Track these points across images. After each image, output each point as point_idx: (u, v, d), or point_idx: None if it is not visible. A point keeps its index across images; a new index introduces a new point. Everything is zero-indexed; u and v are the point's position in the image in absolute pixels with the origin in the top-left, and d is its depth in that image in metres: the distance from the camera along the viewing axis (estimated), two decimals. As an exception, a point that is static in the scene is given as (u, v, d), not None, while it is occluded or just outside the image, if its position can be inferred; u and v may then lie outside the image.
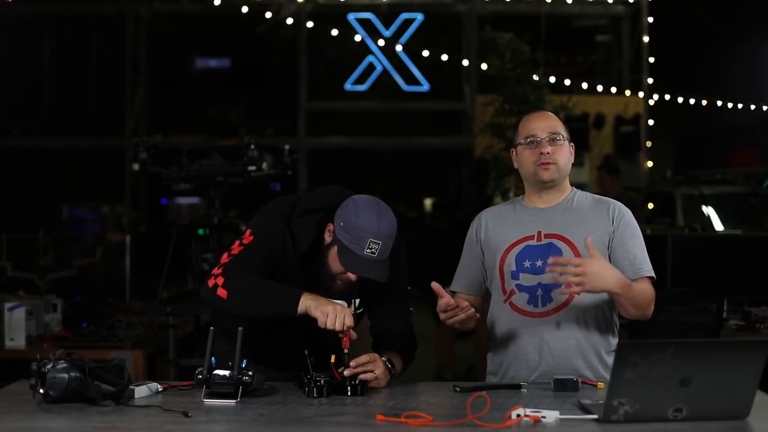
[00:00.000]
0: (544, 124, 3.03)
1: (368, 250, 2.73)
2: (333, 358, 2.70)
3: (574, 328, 2.94)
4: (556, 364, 2.93)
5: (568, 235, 2.96)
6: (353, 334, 2.71)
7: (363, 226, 2.74)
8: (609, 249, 2.97)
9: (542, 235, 2.99)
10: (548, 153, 2.98)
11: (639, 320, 3.03)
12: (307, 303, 2.69)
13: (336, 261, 2.80)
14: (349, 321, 2.67)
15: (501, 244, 3.04)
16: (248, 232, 2.88)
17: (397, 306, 3.01)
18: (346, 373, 2.68)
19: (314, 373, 2.67)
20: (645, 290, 2.92)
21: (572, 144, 3.08)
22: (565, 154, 3.02)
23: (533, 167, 3.01)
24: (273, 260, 2.84)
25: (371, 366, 2.74)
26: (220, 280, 2.78)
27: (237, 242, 2.88)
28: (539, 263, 2.95)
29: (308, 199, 2.94)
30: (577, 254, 2.93)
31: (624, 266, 2.94)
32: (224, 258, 2.85)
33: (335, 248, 2.79)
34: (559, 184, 3.05)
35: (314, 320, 2.67)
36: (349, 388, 2.68)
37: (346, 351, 2.69)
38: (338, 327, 2.65)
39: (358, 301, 2.96)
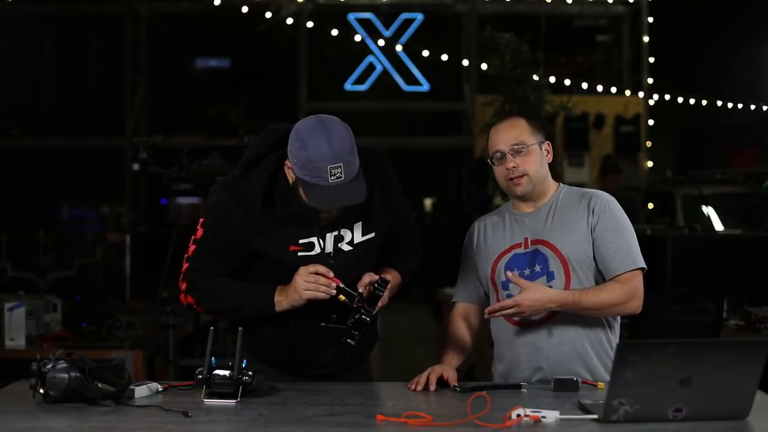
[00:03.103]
0: (506, 137, 2.98)
1: (333, 177, 2.58)
2: (342, 298, 2.77)
3: (569, 332, 2.93)
4: (554, 371, 2.90)
5: (553, 240, 2.95)
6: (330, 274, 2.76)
7: (315, 156, 2.58)
8: (591, 242, 2.95)
9: (529, 242, 2.99)
10: (514, 167, 2.95)
11: (635, 317, 3.03)
12: (282, 304, 2.78)
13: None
14: (322, 269, 2.73)
15: (491, 254, 3.05)
16: (200, 223, 2.85)
17: (403, 240, 3.06)
18: (360, 290, 2.77)
19: (346, 325, 2.77)
20: (608, 292, 2.87)
21: (547, 143, 3.03)
22: (534, 161, 2.97)
23: (506, 182, 3.00)
24: (234, 236, 2.78)
25: (371, 278, 2.80)
26: (191, 299, 2.86)
27: (192, 241, 2.86)
28: (527, 272, 2.95)
29: (245, 154, 2.82)
30: (562, 259, 2.92)
31: (606, 261, 2.93)
32: (184, 264, 2.85)
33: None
34: (537, 190, 3.02)
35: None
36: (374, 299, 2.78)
37: (342, 285, 2.76)
38: (324, 291, 2.73)
39: (361, 224, 2.87)
